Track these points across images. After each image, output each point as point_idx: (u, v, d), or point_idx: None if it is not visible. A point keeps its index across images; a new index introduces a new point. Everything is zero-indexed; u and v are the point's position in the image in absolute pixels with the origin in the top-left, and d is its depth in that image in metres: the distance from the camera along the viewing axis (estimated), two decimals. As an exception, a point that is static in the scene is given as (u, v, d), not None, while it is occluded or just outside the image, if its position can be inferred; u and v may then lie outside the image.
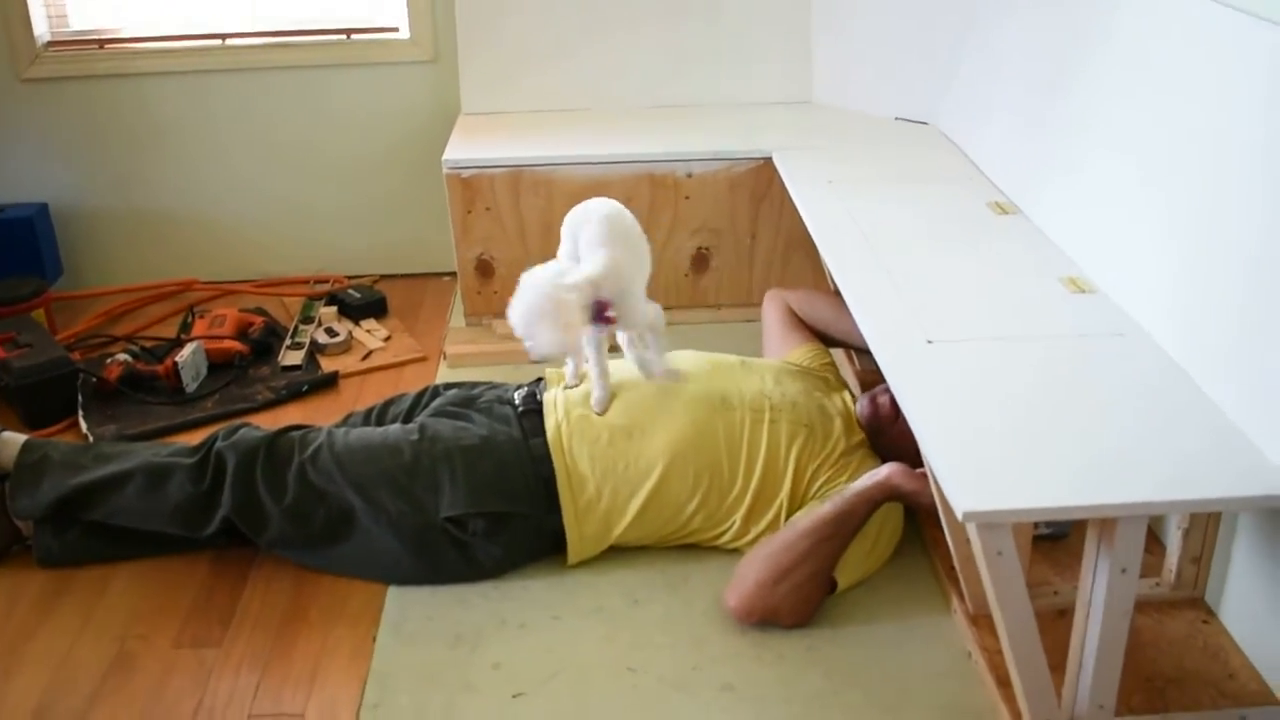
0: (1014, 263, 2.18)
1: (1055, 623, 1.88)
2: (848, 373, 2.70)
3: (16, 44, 3.28)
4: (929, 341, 1.84)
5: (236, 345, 3.02)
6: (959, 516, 1.41)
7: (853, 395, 2.34)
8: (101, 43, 3.36)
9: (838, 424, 2.20)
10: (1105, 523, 1.49)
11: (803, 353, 2.49)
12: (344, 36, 3.36)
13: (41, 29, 3.33)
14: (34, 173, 3.45)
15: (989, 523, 1.44)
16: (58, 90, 3.36)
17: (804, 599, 1.99)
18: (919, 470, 1.95)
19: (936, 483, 1.69)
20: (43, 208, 3.42)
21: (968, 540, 1.82)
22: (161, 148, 3.45)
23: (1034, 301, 2.01)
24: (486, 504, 2.11)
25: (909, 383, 1.73)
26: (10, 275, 3.21)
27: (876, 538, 2.09)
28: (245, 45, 3.36)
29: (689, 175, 2.97)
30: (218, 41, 3.36)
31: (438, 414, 2.26)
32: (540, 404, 2.24)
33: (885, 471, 2.00)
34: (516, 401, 2.25)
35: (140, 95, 3.37)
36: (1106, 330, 1.89)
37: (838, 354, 2.68)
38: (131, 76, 3.35)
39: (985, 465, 1.51)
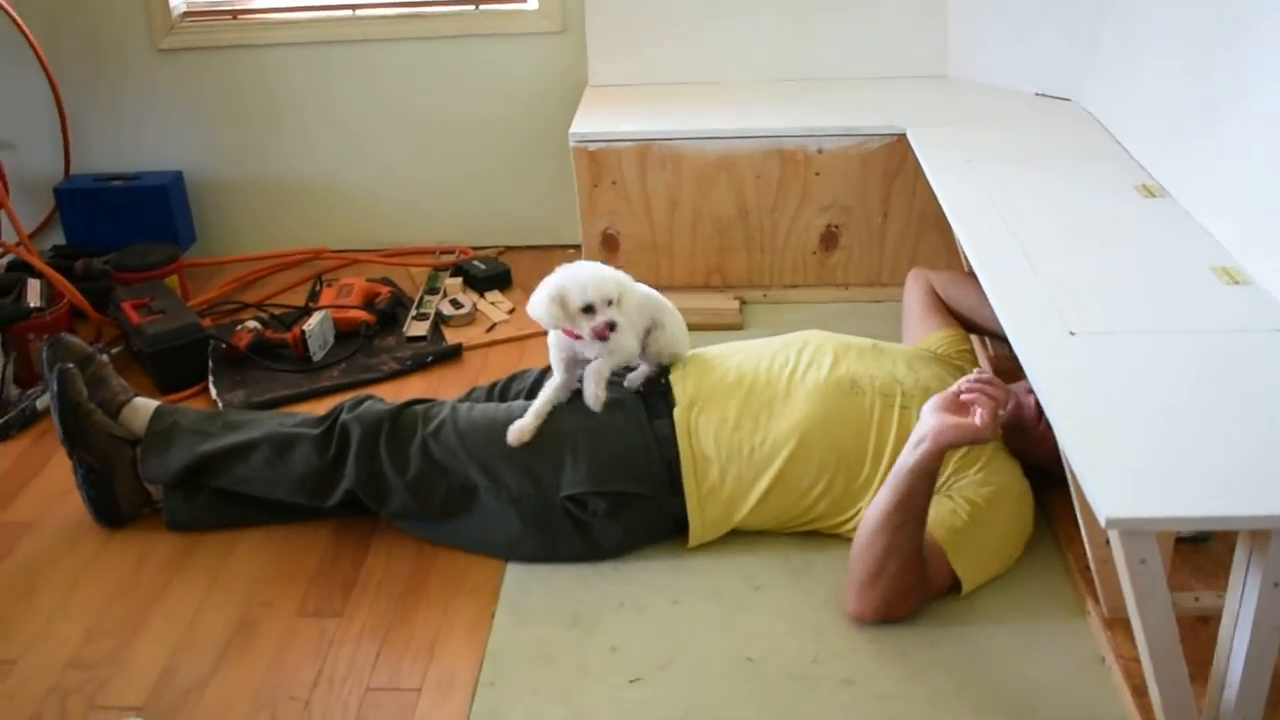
0: (1162, 250, 2.07)
1: (1196, 630, 1.79)
2: (983, 359, 2.60)
3: (153, 15, 3.34)
4: (1071, 333, 1.76)
5: (363, 315, 3.04)
6: (1102, 523, 1.34)
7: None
8: (235, 13, 3.40)
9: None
10: (1258, 534, 1.40)
11: (941, 337, 2.42)
12: (472, 7, 3.35)
13: (177, 0, 3.37)
14: (169, 141, 3.52)
15: (1133, 530, 1.37)
16: (192, 60, 3.41)
17: (907, 590, 1.91)
18: (950, 419, 1.81)
19: (1076, 484, 1.62)
20: (177, 176, 3.48)
21: (1105, 541, 1.75)
22: (292, 117, 3.49)
23: (1184, 292, 1.90)
24: (607, 484, 2.08)
25: (1050, 377, 1.65)
26: (145, 242, 3.27)
27: (1004, 535, 2.02)
28: (375, 16, 3.38)
29: (820, 151, 2.91)
30: (348, 12, 3.38)
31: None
32: (666, 384, 2.20)
33: (929, 437, 1.80)
34: (640, 382, 2.22)
35: (271, 65, 3.41)
36: (1263, 325, 1.78)
37: (974, 340, 2.59)
38: (263, 47, 3.39)
39: (1131, 468, 1.43)
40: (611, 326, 2.03)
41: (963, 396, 1.82)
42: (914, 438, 1.84)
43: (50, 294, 2.95)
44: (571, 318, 2.05)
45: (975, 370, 1.86)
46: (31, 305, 2.85)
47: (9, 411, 2.69)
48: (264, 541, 2.27)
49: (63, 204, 3.46)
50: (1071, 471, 1.62)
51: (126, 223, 3.40)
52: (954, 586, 1.96)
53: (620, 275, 2.09)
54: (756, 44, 3.25)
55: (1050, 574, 2.06)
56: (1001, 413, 1.81)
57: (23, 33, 3.23)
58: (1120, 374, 1.66)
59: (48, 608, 2.13)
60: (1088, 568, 1.90)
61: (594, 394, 2.12)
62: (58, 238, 3.56)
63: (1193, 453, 1.47)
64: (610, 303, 2.03)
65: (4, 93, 3.47)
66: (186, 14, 3.41)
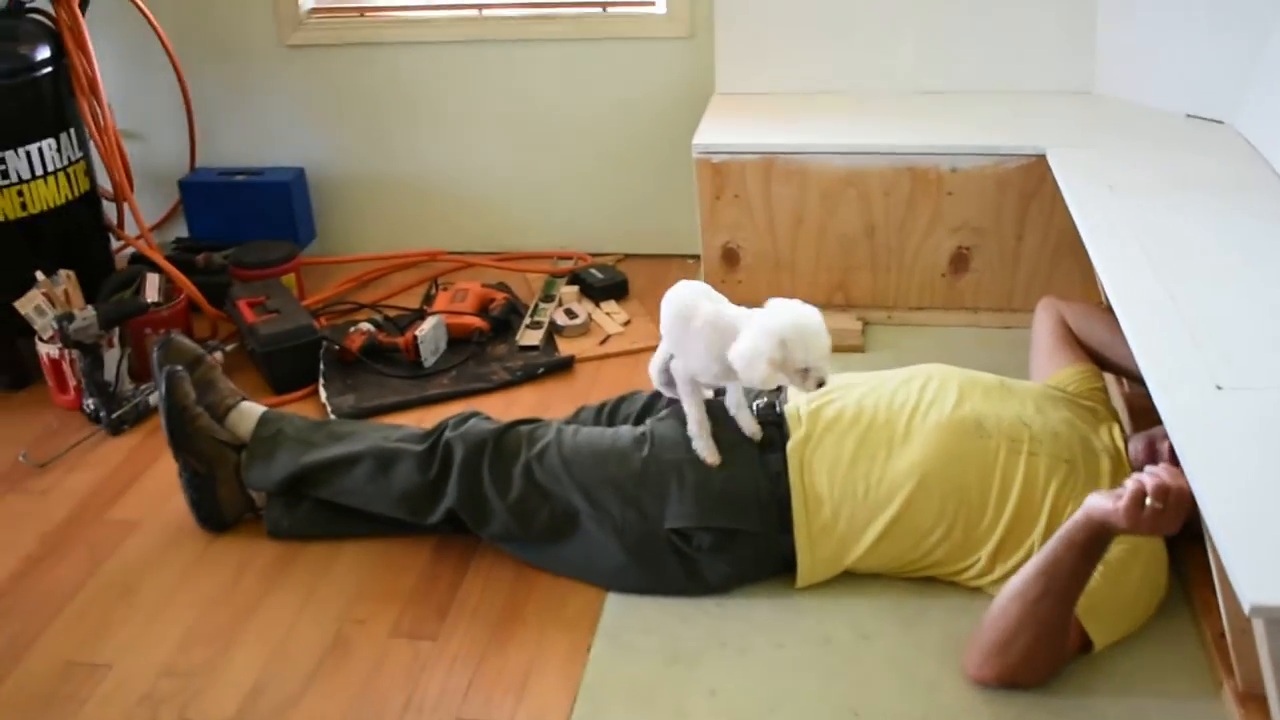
0: (1324, 294, 1.92)
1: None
2: (1116, 398, 2.45)
3: (282, 10, 3.35)
4: (1218, 387, 1.62)
5: (477, 321, 2.99)
6: (1246, 610, 1.21)
7: (1123, 429, 2.12)
8: (362, 11, 3.39)
9: (1104, 463, 1.99)
10: None
11: (1072, 374, 2.27)
12: (600, 10, 3.29)
13: (306, -4, 3.38)
14: (293, 137, 3.53)
15: (1284, 619, 1.25)
16: (319, 57, 3.41)
17: (1040, 663, 1.79)
18: (1116, 492, 1.65)
19: (1216, 553, 1.48)
20: (299, 172, 3.49)
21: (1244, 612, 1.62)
22: (415, 116, 3.46)
23: (1349, 344, 1.74)
24: (714, 519, 2.00)
25: (1192, 437, 1.52)
26: (265, 238, 3.28)
27: (1137, 592, 1.88)
28: (501, 16, 3.33)
29: (953, 170, 2.78)
30: (474, 12, 3.34)
31: (672, 418, 2.16)
32: (780, 415, 2.11)
33: (1084, 507, 1.69)
34: (754, 412, 2.13)
35: (396, 64, 3.39)
36: None
37: (1108, 376, 2.44)
38: (389, 45, 3.37)
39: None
40: (821, 384, 1.88)
41: (1127, 481, 1.64)
42: (1081, 512, 1.70)
43: (169, 289, 2.96)
44: (786, 374, 1.88)
45: (1161, 464, 1.66)
46: (149, 300, 2.86)
47: (123, 406, 2.70)
48: (363, 555, 2.23)
49: (186, 197, 3.49)
50: (1213, 547, 1.48)
51: (248, 217, 3.42)
52: (1084, 647, 1.84)
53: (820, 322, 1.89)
54: (892, 54, 3.13)
55: (1183, 641, 1.91)
56: (1156, 504, 1.59)
57: (151, 25, 3.25)
58: (1273, 436, 1.52)
59: (147, 611, 2.12)
60: (1223, 635, 1.75)
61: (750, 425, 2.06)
62: (182, 230, 3.59)
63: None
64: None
65: (136, 85, 3.50)
66: (314, 10, 3.41)
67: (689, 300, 2.01)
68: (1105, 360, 2.32)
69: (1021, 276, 2.90)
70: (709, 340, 1.95)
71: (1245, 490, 1.41)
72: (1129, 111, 2.96)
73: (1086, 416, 2.10)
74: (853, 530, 2.00)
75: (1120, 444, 2.06)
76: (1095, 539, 1.69)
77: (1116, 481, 1.96)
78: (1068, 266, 2.85)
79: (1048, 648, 1.78)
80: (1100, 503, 1.65)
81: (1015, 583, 1.77)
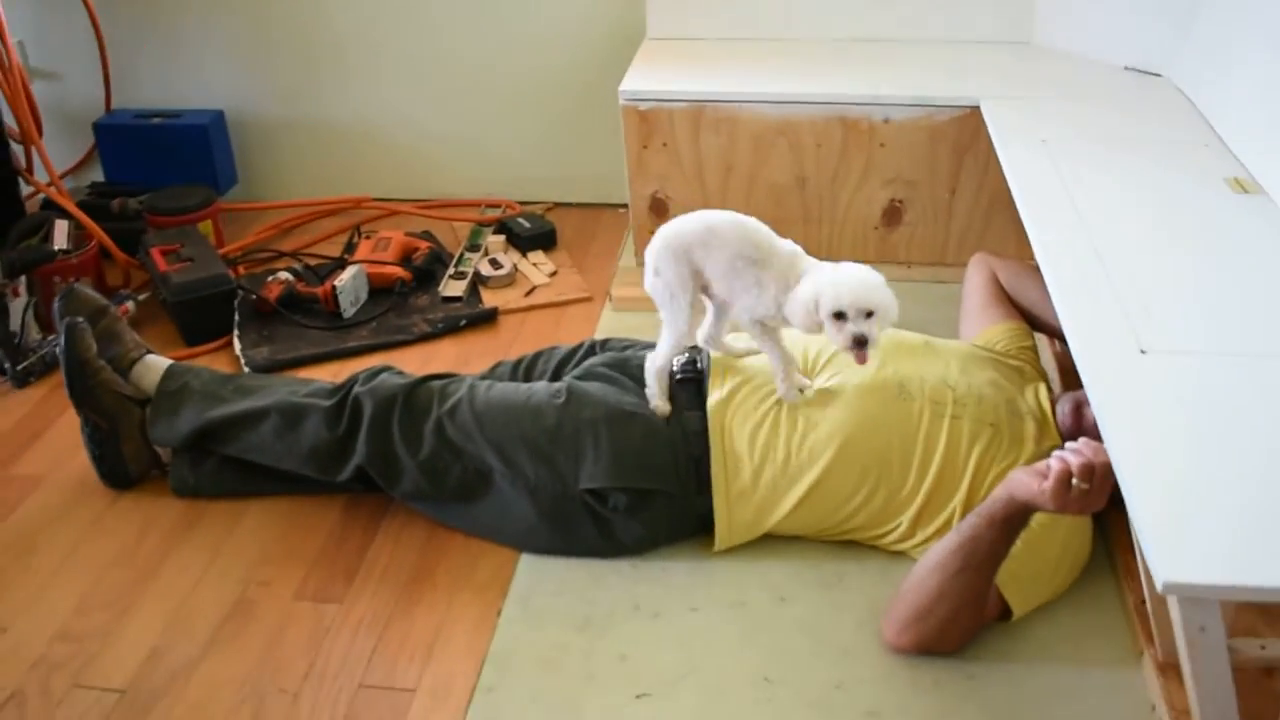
0: (1255, 256, 1.87)
1: (1260, 682, 1.62)
2: (1047, 357, 2.41)
3: (201, -55, 3.22)
4: (1142, 351, 1.57)
5: (399, 271, 2.91)
6: (1158, 587, 1.17)
7: (1050, 389, 2.08)
8: (285, -53, 3.27)
9: (1029, 425, 1.95)
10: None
11: (1001, 330, 2.23)
12: (530, -49, 3.19)
13: (226, -68, 3.25)
14: (213, 79, 3.42)
15: (1195, 597, 1.20)
16: (240, -7, 3.29)
17: (957, 631, 1.76)
18: (1038, 466, 1.61)
19: (1136, 536, 1.44)
20: (218, 115, 3.37)
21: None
22: (341, 58, 3.36)
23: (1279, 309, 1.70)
24: (630, 479, 1.95)
25: (1112, 401, 1.47)
26: (184, 183, 3.17)
27: (1059, 561, 1.85)
28: (430, -45, 3.22)
29: (886, 121, 2.71)
30: (402, -50, 3.22)
31: (588, 375, 2.10)
32: (701, 372, 2.05)
33: (1005, 484, 1.66)
34: (675, 369, 2.06)
35: (319, 3, 3.27)
36: (1371, 352, 1.58)
37: (1039, 336, 2.40)
38: (314, -17, 3.26)
39: (1198, 522, 1.25)
40: (861, 342, 1.81)
41: (1050, 460, 1.59)
42: (1004, 487, 1.66)
43: (79, 236, 2.86)
44: (823, 322, 1.83)
45: (1082, 440, 1.61)
46: (58, 247, 2.76)
47: (29, 358, 2.61)
48: (271, 514, 2.16)
49: (101, 140, 3.37)
50: (1131, 521, 1.44)
51: (166, 161, 3.31)
52: (1004, 614, 1.81)
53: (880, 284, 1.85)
54: (827, 1, 3.05)
55: (1105, 607, 1.88)
56: (1082, 484, 1.54)
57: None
58: (1196, 404, 1.48)
59: (45, 572, 2.05)
60: (1144, 602, 1.73)
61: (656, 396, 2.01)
62: (99, 174, 3.47)
63: (1276, 508, 1.28)
64: (870, 314, 1.81)
65: (49, 21, 3.37)
66: (236, -54, 3.28)
67: (756, 234, 1.92)
68: (1036, 319, 2.28)
69: (955, 231, 2.85)
70: (786, 278, 1.89)
71: (1164, 460, 1.36)
72: (1067, 63, 2.90)
73: (1013, 377, 2.06)
74: (772, 495, 1.95)
75: (1046, 406, 2.02)
76: (1017, 516, 1.65)
77: (1041, 444, 1.93)
78: (1002, 222, 2.80)
79: (966, 617, 1.75)
80: (1025, 482, 1.60)
81: (934, 555, 1.73)
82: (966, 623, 1.76)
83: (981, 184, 2.76)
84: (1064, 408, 2.00)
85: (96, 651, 1.86)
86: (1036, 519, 1.73)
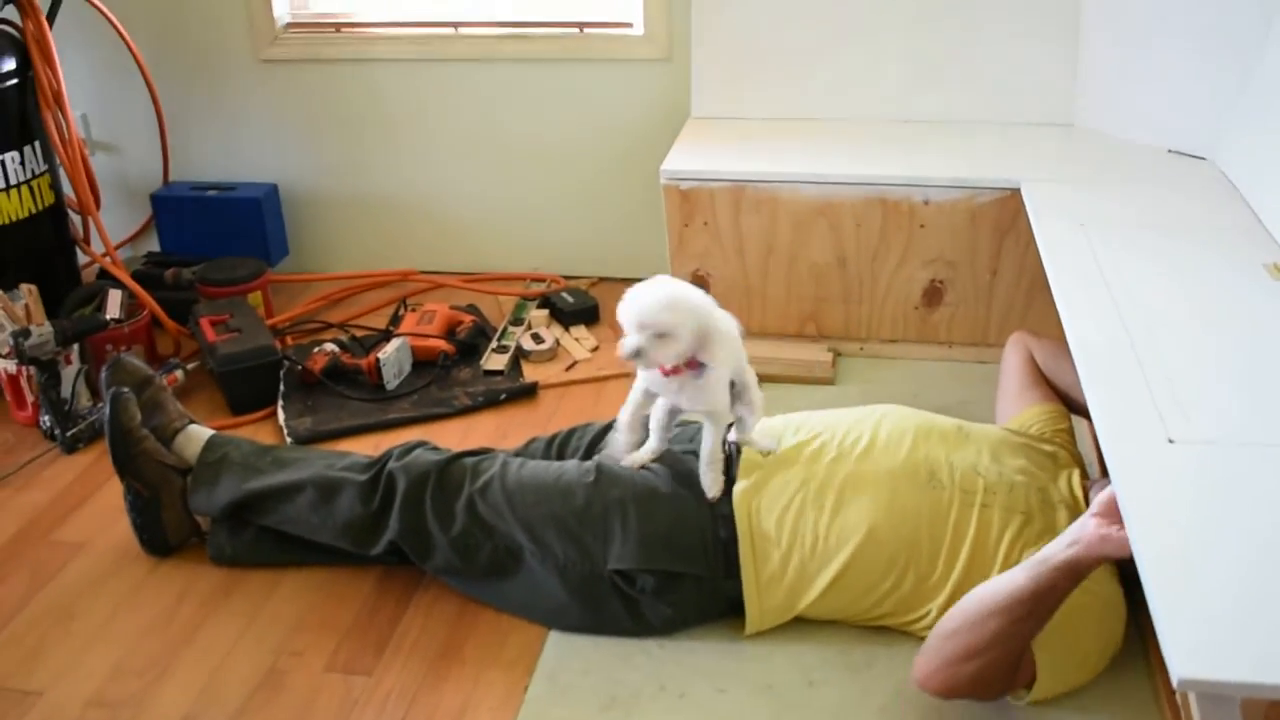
0: (1290, 346, 1.86)
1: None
2: (1086, 440, 2.39)
3: (258, 24, 3.31)
4: (1170, 440, 1.56)
5: (442, 344, 2.95)
6: (1174, 683, 1.16)
7: (1084, 474, 2.07)
8: (338, 26, 3.35)
9: (1061, 514, 1.93)
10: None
11: (1038, 413, 2.22)
12: (577, 30, 3.24)
13: (281, 10, 3.34)
14: (268, 153, 3.49)
15: (1214, 694, 1.19)
16: (294, 72, 3.37)
17: (995, 677, 1.72)
18: (1116, 534, 1.57)
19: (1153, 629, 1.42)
20: (272, 189, 3.45)
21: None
22: (391, 133, 3.42)
23: (1311, 400, 1.68)
24: (657, 561, 1.95)
25: (1137, 493, 1.46)
26: (237, 254, 3.24)
27: (1088, 647, 1.82)
28: (478, 35, 3.29)
29: (926, 202, 2.73)
30: (451, 30, 3.29)
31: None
32: (730, 457, 2.06)
33: (1083, 543, 1.60)
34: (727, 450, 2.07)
35: (372, 80, 3.35)
36: None
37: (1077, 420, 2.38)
38: (365, 61, 3.33)
39: (1219, 617, 1.24)
40: (636, 354, 1.84)
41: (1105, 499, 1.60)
42: (1068, 536, 1.64)
43: (131, 305, 2.92)
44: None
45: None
46: (110, 316, 2.82)
47: (78, 424, 2.67)
48: (306, 584, 2.19)
49: (158, 211, 3.46)
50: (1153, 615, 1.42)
51: (220, 233, 3.39)
52: (1029, 684, 1.77)
53: (699, 304, 1.88)
54: (871, 81, 3.08)
55: (1138, 698, 1.85)
56: None
57: (122, 37, 3.21)
58: (1222, 495, 1.46)
59: (83, 636, 2.08)
60: (1174, 693, 1.70)
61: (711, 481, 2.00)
62: (155, 245, 3.55)
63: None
64: (662, 335, 1.83)
65: (111, 97, 3.48)
66: (290, 25, 3.37)
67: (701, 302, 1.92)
68: (1073, 401, 2.27)
69: (996, 311, 2.84)
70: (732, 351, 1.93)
71: (1187, 552, 1.35)
72: (1110, 146, 2.90)
73: (1046, 463, 2.04)
74: (801, 580, 1.94)
75: (1079, 493, 2.00)
76: (1089, 570, 1.63)
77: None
78: (1043, 303, 2.77)
79: (1007, 668, 1.72)
80: (1111, 545, 1.57)
81: (997, 599, 1.67)
82: (1007, 673, 1.73)
83: (1023, 265, 2.76)
84: (1105, 494, 1.98)
85: (129, 718, 1.88)
86: (1072, 598, 1.71)
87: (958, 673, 1.71)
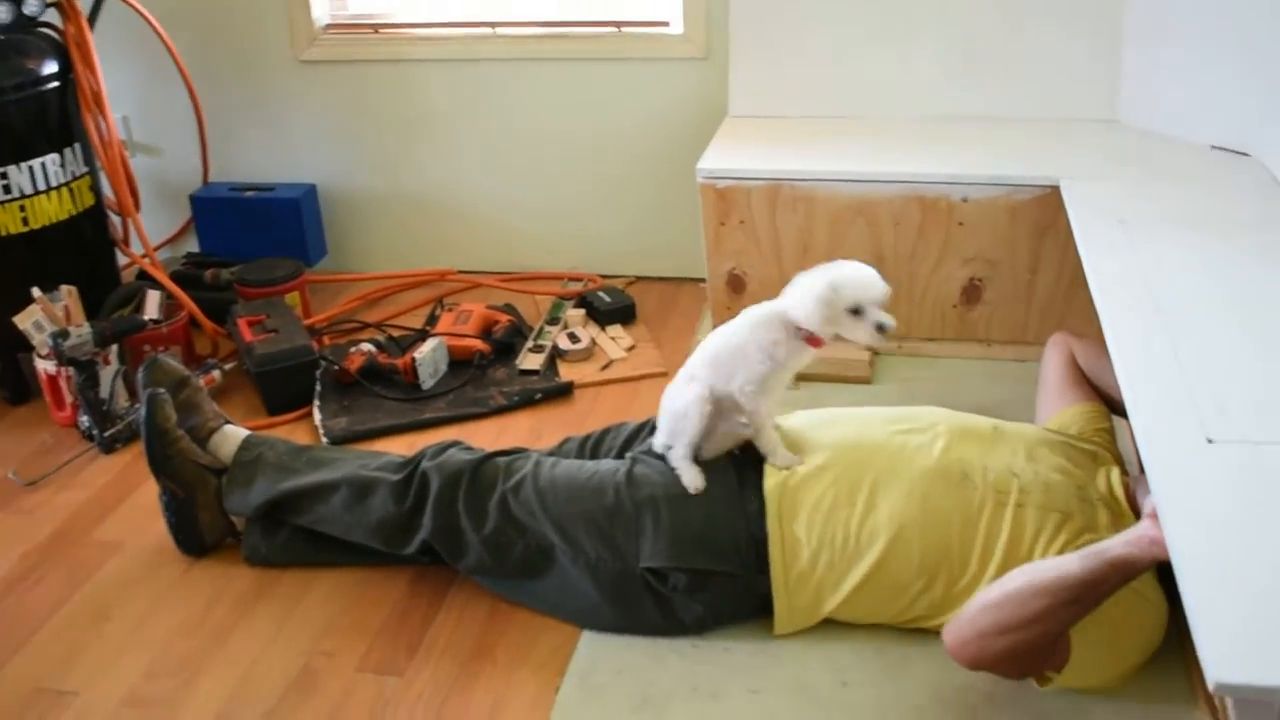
0: (1333, 344, 1.82)
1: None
2: (1124, 442, 2.34)
3: (297, 26, 3.33)
4: (1209, 441, 1.53)
5: (478, 344, 2.95)
6: (1210, 687, 1.13)
7: (1125, 472, 2.03)
8: (376, 27, 3.37)
9: (1100, 512, 1.89)
10: None
11: (1078, 412, 2.19)
12: (615, 29, 3.24)
13: (320, 11, 3.37)
14: (306, 153, 3.51)
15: (1252, 699, 1.16)
16: (333, 73, 3.39)
17: (1026, 655, 1.70)
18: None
19: (1190, 633, 1.39)
20: (310, 189, 3.47)
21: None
22: (428, 134, 3.43)
23: (1354, 400, 1.64)
24: (689, 559, 1.93)
25: (1173, 492, 1.43)
26: (276, 254, 3.25)
27: (1125, 647, 1.79)
28: (516, 35, 3.30)
29: (964, 200, 2.70)
30: (488, 30, 3.30)
31: (652, 453, 2.10)
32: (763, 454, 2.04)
33: (1144, 537, 1.57)
34: (737, 449, 2.06)
35: (410, 81, 3.37)
36: None
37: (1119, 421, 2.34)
38: (404, 62, 3.35)
39: (1257, 620, 1.21)
40: (880, 328, 1.94)
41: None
42: (1133, 533, 1.60)
43: (170, 306, 2.94)
44: (836, 318, 1.95)
45: None
46: (148, 318, 2.84)
47: (116, 425, 2.68)
48: (339, 584, 2.19)
49: (198, 212, 3.48)
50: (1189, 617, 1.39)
51: (259, 233, 3.41)
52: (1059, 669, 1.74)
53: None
54: (909, 79, 3.06)
55: (1177, 700, 1.81)
56: None
57: (162, 39, 3.24)
58: (1261, 497, 1.42)
59: (118, 637, 2.09)
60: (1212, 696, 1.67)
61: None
62: (195, 245, 3.58)
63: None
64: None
65: (153, 99, 3.51)
66: (329, 26, 3.39)
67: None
68: (1114, 401, 2.23)
69: (1035, 309, 2.81)
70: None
71: (1224, 554, 1.32)
72: (1152, 142, 2.86)
73: (1085, 462, 2.01)
74: (830, 579, 1.92)
75: (1119, 490, 1.96)
76: (1141, 570, 1.60)
77: (1115, 529, 1.86)
78: (1083, 301, 2.73)
79: (1041, 649, 1.69)
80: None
81: (1047, 579, 1.63)
82: (1040, 654, 1.70)
83: (1063, 263, 2.72)
84: (1142, 490, 1.95)
85: (163, 718, 1.89)
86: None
87: (990, 645, 1.68)
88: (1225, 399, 1.63)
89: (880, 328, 1.93)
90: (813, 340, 1.98)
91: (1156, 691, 1.82)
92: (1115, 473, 2.01)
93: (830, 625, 1.98)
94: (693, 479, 1.99)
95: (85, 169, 2.94)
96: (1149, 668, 1.84)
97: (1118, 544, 1.61)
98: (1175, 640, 1.88)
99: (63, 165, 2.85)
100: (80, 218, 2.93)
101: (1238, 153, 2.72)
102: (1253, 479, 1.46)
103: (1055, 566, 1.65)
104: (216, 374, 2.81)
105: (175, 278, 3.09)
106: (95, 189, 2.99)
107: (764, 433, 2.00)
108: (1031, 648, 1.68)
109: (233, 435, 2.29)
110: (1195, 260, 2.13)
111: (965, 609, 1.74)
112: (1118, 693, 1.81)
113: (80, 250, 2.97)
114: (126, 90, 3.46)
